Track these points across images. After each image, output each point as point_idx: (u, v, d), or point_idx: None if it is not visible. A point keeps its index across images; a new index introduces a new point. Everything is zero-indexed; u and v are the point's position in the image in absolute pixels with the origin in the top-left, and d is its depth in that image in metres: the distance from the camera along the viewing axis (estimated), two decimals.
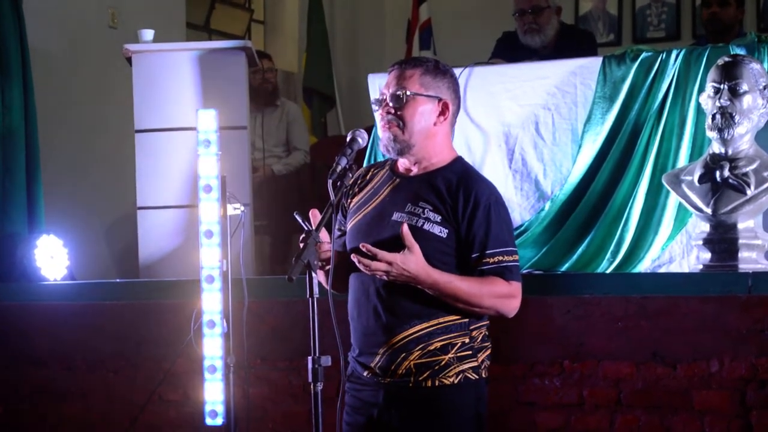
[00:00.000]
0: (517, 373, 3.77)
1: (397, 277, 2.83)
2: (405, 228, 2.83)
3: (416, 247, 2.83)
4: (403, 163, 3.06)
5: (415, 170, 3.03)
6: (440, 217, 2.92)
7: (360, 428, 3.01)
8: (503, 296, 2.91)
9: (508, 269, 2.91)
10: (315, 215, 2.93)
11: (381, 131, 3.01)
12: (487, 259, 2.90)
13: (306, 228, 2.88)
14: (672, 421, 3.59)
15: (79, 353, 4.50)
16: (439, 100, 3.00)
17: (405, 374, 2.92)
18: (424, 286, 2.86)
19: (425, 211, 2.93)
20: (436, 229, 2.90)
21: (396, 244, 2.87)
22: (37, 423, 4.58)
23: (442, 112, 3.00)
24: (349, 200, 3.10)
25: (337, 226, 3.04)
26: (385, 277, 2.84)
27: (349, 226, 3.04)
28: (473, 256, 2.91)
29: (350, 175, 2.96)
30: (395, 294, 2.91)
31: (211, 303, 3.78)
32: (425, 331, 2.91)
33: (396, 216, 2.95)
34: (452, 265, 2.93)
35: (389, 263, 2.80)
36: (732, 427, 3.53)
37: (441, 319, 2.92)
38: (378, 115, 3.03)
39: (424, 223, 2.91)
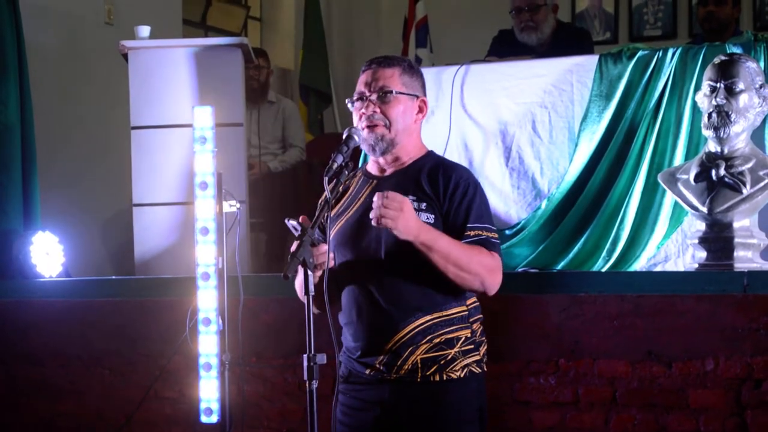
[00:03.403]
0: (513, 372, 3.77)
1: (405, 227, 2.81)
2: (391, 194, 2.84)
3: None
4: (376, 165, 3.11)
5: (390, 169, 3.08)
6: (425, 204, 2.96)
7: (363, 427, 3.01)
8: (488, 267, 2.94)
9: (489, 241, 2.96)
10: (305, 222, 2.92)
11: (364, 131, 3.02)
12: (468, 233, 2.94)
13: (296, 234, 2.86)
14: (667, 419, 3.60)
15: (75, 350, 4.49)
16: (417, 97, 3.08)
17: (411, 369, 2.94)
18: (424, 239, 2.84)
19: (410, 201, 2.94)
20: (423, 216, 2.93)
21: (382, 244, 2.92)
22: (32, 420, 4.57)
23: (420, 110, 3.09)
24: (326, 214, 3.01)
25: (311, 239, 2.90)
26: (392, 225, 2.80)
27: (331, 233, 3.02)
28: (455, 231, 2.94)
29: (346, 172, 2.97)
30: (397, 289, 2.93)
31: (207, 300, 3.78)
32: (430, 322, 2.94)
33: None
34: None
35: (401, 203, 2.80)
36: (727, 426, 3.53)
37: (444, 312, 2.96)
38: (357, 112, 3.05)
39: None
